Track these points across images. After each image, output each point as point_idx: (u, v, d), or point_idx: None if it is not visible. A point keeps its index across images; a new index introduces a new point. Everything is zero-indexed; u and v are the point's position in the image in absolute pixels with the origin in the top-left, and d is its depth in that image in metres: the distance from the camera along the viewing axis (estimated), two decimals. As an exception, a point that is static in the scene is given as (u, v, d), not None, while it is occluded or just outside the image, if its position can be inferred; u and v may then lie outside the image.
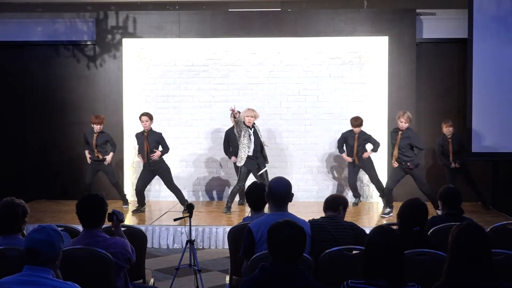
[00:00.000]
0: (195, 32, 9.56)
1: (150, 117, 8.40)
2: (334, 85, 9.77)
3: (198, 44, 9.85)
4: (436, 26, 9.52)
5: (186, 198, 8.72)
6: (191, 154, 9.82)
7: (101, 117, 8.56)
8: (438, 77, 9.64)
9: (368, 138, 8.72)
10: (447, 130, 8.38)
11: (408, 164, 7.94)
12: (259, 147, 8.19)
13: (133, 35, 9.54)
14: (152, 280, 4.76)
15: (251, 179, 8.01)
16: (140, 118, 8.43)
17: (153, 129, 8.51)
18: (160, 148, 8.45)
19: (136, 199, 8.64)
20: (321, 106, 9.78)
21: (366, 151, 8.72)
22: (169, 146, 8.50)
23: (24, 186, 9.61)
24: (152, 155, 8.31)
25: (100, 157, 8.52)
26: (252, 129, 8.17)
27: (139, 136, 8.52)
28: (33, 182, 9.80)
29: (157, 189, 9.82)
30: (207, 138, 9.88)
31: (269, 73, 9.86)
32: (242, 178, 8.24)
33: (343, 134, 8.83)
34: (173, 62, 9.95)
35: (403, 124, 7.92)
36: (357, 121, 8.63)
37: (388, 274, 2.79)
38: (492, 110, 8.59)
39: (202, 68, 9.90)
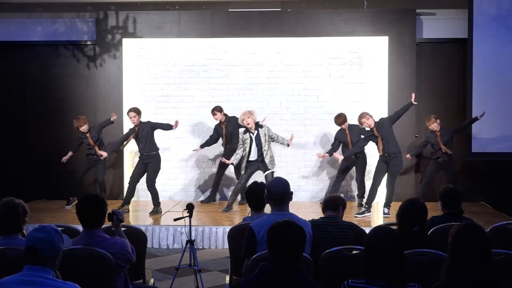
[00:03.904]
0: (195, 32, 9.56)
1: (138, 112, 8.33)
2: (334, 85, 9.77)
3: (198, 44, 9.85)
4: (436, 26, 9.52)
5: (186, 198, 8.69)
6: (191, 154, 9.80)
7: (80, 118, 8.52)
8: (438, 77, 9.64)
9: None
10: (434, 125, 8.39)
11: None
12: (261, 152, 8.17)
13: (133, 35, 9.54)
14: (152, 280, 4.76)
15: (252, 178, 8.02)
16: (127, 114, 8.37)
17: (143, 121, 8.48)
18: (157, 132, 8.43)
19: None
20: (321, 106, 9.77)
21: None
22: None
23: (24, 186, 9.61)
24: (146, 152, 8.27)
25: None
26: (256, 132, 8.16)
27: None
28: (33, 182, 9.80)
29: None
30: (207, 138, 9.86)
31: (269, 73, 9.86)
32: (245, 177, 8.25)
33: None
34: (173, 62, 9.95)
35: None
36: (339, 119, 8.61)
37: (388, 274, 2.79)
38: (492, 110, 8.59)
39: (202, 68, 9.90)
